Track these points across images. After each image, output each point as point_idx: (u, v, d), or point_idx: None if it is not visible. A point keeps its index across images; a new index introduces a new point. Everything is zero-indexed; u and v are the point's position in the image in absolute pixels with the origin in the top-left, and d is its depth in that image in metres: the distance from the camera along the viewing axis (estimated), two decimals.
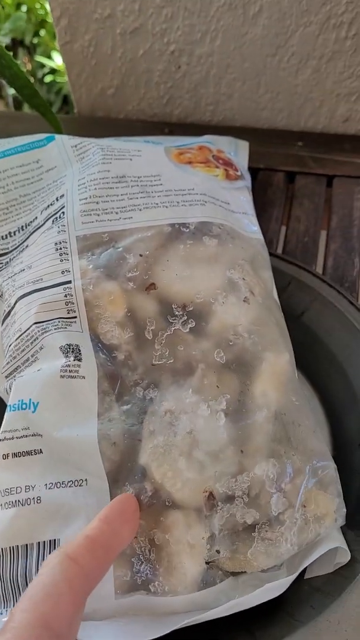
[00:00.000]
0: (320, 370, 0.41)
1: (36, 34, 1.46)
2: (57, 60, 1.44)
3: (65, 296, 0.33)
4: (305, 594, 0.31)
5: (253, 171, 0.55)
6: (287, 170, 0.56)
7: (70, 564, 0.22)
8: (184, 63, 0.59)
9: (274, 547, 0.29)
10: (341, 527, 0.32)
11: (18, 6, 1.46)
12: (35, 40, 1.46)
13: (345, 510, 0.31)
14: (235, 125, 0.63)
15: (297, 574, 0.29)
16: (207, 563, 0.29)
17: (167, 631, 0.27)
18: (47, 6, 1.38)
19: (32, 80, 1.48)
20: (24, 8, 1.45)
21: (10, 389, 0.32)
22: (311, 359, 0.41)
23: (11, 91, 1.33)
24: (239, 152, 0.49)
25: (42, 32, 1.46)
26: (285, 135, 0.61)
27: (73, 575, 0.21)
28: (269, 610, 0.30)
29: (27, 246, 0.38)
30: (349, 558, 0.30)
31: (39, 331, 0.32)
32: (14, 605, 0.28)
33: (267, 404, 0.31)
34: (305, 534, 0.30)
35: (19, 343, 0.33)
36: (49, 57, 1.39)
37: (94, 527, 0.24)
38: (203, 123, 0.64)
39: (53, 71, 1.39)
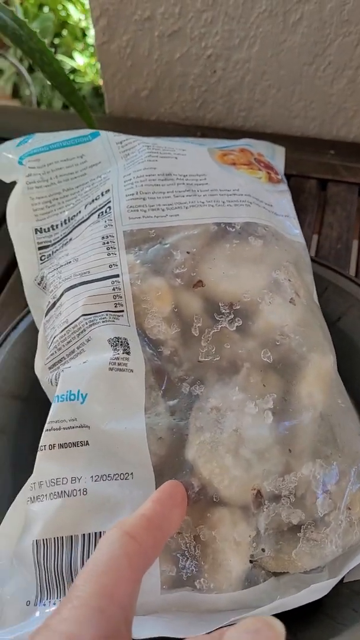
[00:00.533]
0: (356, 377, 0.40)
1: (57, 34, 1.47)
2: (78, 61, 1.45)
3: (113, 289, 0.33)
4: (346, 598, 0.30)
5: (285, 177, 0.55)
6: (319, 177, 0.57)
7: (129, 540, 0.21)
8: (220, 68, 0.59)
9: (318, 549, 0.29)
10: None
11: (40, 7, 1.47)
12: (57, 41, 1.47)
13: None
14: (267, 131, 0.64)
15: (341, 576, 0.29)
16: (251, 562, 0.29)
17: (212, 629, 0.27)
18: (70, 8, 1.40)
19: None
20: (45, 9, 1.47)
21: (56, 380, 0.32)
22: (347, 365, 0.41)
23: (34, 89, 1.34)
24: (275, 157, 0.50)
25: (64, 32, 1.47)
26: (316, 144, 0.61)
27: (132, 551, 0.21)
28: (308, 612, 0.29)
29: (70, 239, 0.38)
30: None
31: (86, 323, 0.32)
32: (57, 597, 0.28)
33: (314, 405, 0.31)
34: (349, 536, 0.30)
35: (64, 334, 0.33)
36: (71, 57, 1.40)
37: (149, 507, 0.24)
38: (235, 128, 0.64)
39: (73, 71, 1.40)
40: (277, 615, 0.28)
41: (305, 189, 0.56)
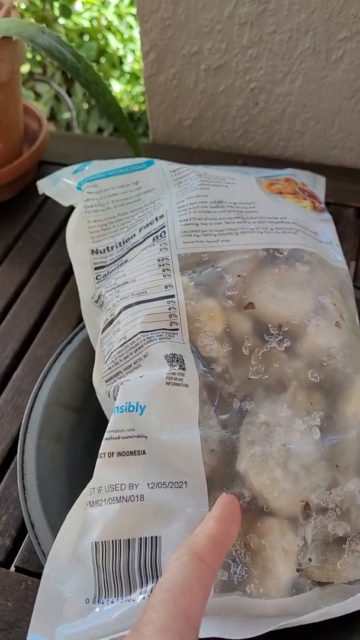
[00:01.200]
0: None
1: (95, 61, 1.53)
2: (114, 87, 1.50)
3: (169, 309, 0.36)
4: None
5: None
6: (356, 206, 0.59)
7: (199, 562, 0.24)
8: (262, 100, 0.62)
9: None
10: None
11: (81, 35, 1.53)
12: (95, 67, 1.53)
13: None
14: (305, 161, 0.66)
15: None
16: (298, 570, 0.30)
17: (262, 632, 0.28)
18: (110, 37, 1.45)
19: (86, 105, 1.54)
20: (85, 37, 1.53)
21: (115, 392, 0.34)
22: None
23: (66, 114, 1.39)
24: (317, 186, 0.52)
25: (102, 60, 1.53)
26: (353, 173, 0.63)
27: (202, 573, 0.23)
28: (353, 622, 0.31)
29: (126, 261, 0.41)
30: None
31: (144, 340, 0.35)
32: (115, 596, 0.30)
33: (359, 423, 0.33)
34: None
35: (122, 350, 0.35)
36: (109, 84, 1.46)
37: (213, 527, 0.26)
38: (273, 157, 0.67)
39: None
40: (323, 623, 0.29)
41: (343, 217, 0.58)
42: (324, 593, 0.31)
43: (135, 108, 1.58)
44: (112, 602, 0.29)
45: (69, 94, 1.50)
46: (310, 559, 0.30)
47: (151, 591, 0.28)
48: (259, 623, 0.29)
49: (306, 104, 0.61)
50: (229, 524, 0.27)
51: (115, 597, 0.29)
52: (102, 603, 0.29)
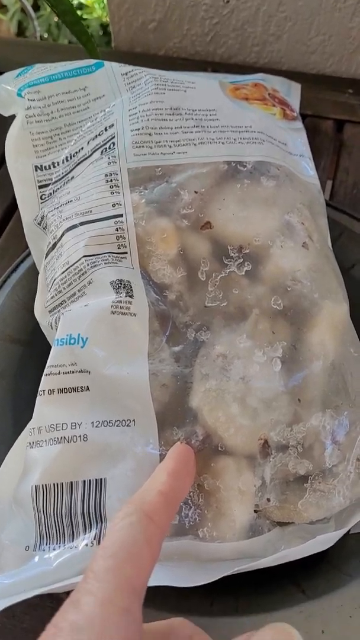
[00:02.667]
0: None
1: None
2: None
3: (117, 230, 0.32)
4: (352, 548, 0.30)
5: (301, 117, 0.52)
6: (335, 118, 0.54)
7: (148, 523, 0.21)
8: None
9: (325, 500, 0.28)
10: None
11: None
12: None
13: None
14: (282, 68, 0.60)
15: (347, 528, 0.29)
16: (256, 511, 0.28)
17: (215, 578, 0.26)
18: None
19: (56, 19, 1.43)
20: None
21: (56, 323, 0.30)
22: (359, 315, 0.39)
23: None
24: (291, 94, 0.47)
25: None
26: (334, 82, 0.58)
27: (152, 534, 0.21)
28: (312, 562, 0.29)
29: (72, 177, 0.36)
30: None
31: (88, 265, 0.31)
32: (57, 542, 0.27)
33: (325, 354, 0.30)
34: (358, 487, 0.29)
35: (65, 276, 0.32)
36: None
37: (165, 482, 0.23)
38: (247, 64, 0.61)
39: (80, 7, 1.34)
40: (282, 565, 0.28)
41: (320, 131, 0.53)
42: (285, 534, 0.29)
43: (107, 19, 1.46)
44: (54, 550, 0.27)
45: (37, 6, 1.38)
46: (268, 499, 0.28)
47: (95, 538, 0.26)
48: (213, 568, 0.27)
49: (282, 2, 0.55)
50: (182, 478, 0.24)
51: (57, 543, 0.27)
52: (43, 550, 0.27)
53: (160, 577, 0.26)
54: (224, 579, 0.26)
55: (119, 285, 0.30)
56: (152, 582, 0.26)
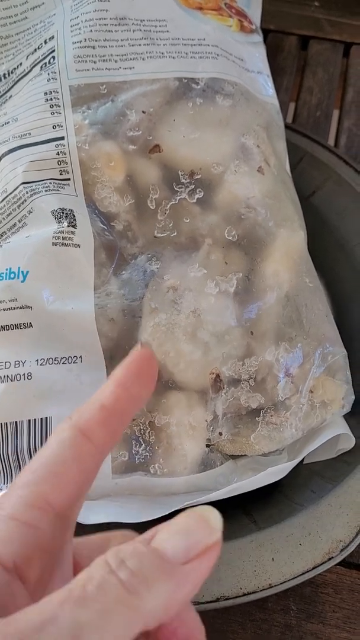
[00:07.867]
0: (327, 256, 0.38)
1: None
2: None
3: (58, 154, 0.29)
4: (304, 479, 0.30)
5: (262, 33, 0.49)
6: (300, 34, 0.50)
7: (82, 440, 0.18)
8: None
9: (277, 432, 0.28)
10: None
11: None
12: None
13: (353, 397, 0.29)
14: None
15: (300, 458, 0.28)
16: (207, 446, 0.28)
17: (165, 512, 0.26)
18: None
19: None
20: None
21: None
22: (319, 243, 0.38)
23: None
24: (251, 5, 0.43)
25: None
26: None
27: (85, 453, 0.18)
28: (265, 493, 0.29)
29: (10, 97, 0.33)
30: (353, 444, 0.29)
31: (27, 192, 0.29)
32: (4, 482, 0.27)
33: (279, 284, 0.29)
34: (310, 419, 0.28)
35: (4, 206, 0.29)
36: None
37: (110, 393, 0.19)
38: None
39: None
40: (235, 496, 0.27)
41: (283, 47, 0.50)
42: (237, 466, 0.29)
43: None
44: (0, 490, 0.26)
45: None
46: (220, 433, 0.28)
47: None
48: (165, 502, 0.27)
49: None
50: (133, 390, 0.19)
51: (3, 483, 0.27)
52: None
53: (110, 513, 0.26)
54: (176, 511, 0.26)
55: (61, 214, 0.28)
56: (102, 518, 0.26)
